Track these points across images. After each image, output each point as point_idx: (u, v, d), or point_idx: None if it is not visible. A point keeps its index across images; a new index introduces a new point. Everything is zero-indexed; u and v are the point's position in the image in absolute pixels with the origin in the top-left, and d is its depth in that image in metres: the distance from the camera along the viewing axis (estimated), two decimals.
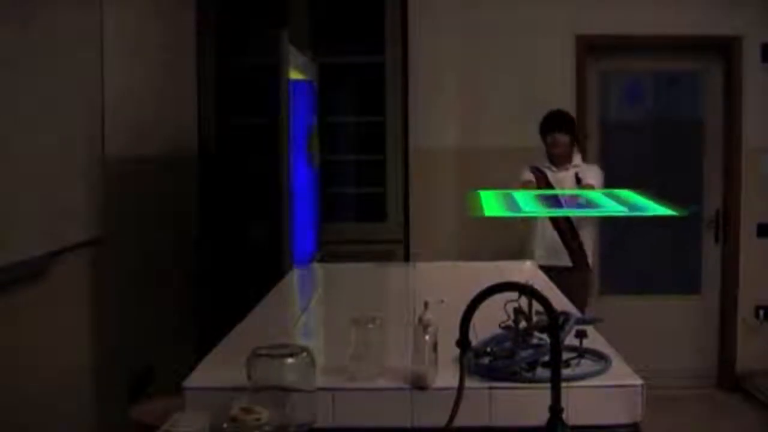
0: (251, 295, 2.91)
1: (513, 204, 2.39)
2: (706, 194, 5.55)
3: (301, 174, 4.18)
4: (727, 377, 5.46)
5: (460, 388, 1.61)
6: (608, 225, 5.51)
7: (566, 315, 2.08)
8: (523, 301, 1.98)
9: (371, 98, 5.16)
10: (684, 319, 5.56)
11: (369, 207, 5.19)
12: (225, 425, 1.70)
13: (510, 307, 1.98)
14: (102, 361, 3.58)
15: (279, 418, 1.73)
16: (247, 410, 1.70)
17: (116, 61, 3.67)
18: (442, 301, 1.96)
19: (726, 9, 5.27)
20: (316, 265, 4.16)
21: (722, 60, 5.43)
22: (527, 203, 2.46)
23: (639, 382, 1.92)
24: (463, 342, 1.63)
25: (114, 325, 3.69)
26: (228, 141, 5.14)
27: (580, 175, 4.51)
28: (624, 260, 5.66)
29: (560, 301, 2.67)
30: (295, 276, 3.57)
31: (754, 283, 5.41)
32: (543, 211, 2.65)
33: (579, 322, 2.15)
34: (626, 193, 2.54)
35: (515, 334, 1.98)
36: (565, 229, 4.55)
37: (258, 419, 1.69)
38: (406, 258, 4.98)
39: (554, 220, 4.50)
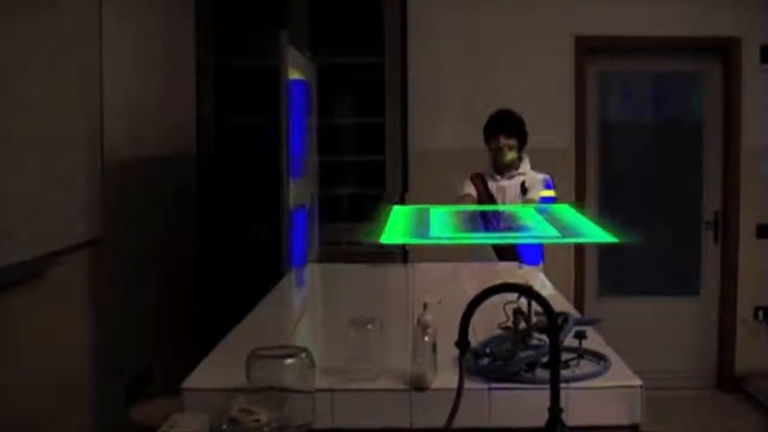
0: (251, 295, 2.91)
1: (423, 226, 2.15)
2: (705, 195, 5.55)
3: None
4: (726, 378, 5.46)
5: (460, 388, 1.61)
6: (607, 225, 5.51)
7: (565, 316, 2.08)
8: (523, 302, 1.98)
9: (371, 99, 5.15)
10: (683, 320, 5.57)
11: (368, 208, 5.18)
12: (224, 426, 1.70)
13: (509, 308, 1.98)
14: (101, 361, 3.58)
15: (278, 419, 1.73)
16: (246, 411, 1.70)
17: (116, 61, 3.67)
18: (440, 302, 1.96)
19: (725, 10, 5.27)
20: (315, 266, 4.16)
21: (721, 61, 5.43)
22: (439, 227, 2.19)
23: (638, 383, 1.93)
24: (462, 343, 1.63)
25: (113, 326, 3.69)
26: (227, 141, 5.14)
27: (527, 185, 4.06)
28: (623, 261, 5.66)
29: (559, 302, 2.68)
30: (294, 276, 3.57)
31: (753, 284, 5.41)
32: (454, 237, 2.24)
33: (578, 323, 2.16)
34: (565, 210, 2.40)
35: (514, 335, 1.98)
36: (501, 247, 4.02)
37: (257, 420, 1.69)
38: (405, 259, 4.97)
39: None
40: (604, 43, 5.35)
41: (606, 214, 5.52)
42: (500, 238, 2.74)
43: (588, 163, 5.41)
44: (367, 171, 5.21)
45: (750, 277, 5.42)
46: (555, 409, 1.60)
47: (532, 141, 4.60)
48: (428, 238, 2.05)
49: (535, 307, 1.85)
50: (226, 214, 5.09)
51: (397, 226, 2.15)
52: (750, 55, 5.33)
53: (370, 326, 1.96)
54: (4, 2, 2.73)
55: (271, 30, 4.03)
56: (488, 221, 2.70)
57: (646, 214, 5.61)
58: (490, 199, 4.10)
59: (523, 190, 4.04)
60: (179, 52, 4.86)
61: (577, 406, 1.85)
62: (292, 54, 4.01)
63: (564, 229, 2.15)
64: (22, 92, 2.86)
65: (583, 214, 2.21)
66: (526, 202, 3.95)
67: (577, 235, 2.11)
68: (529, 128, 4.58)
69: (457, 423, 1.62)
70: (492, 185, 4.14)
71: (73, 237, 3.29)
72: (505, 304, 1.99)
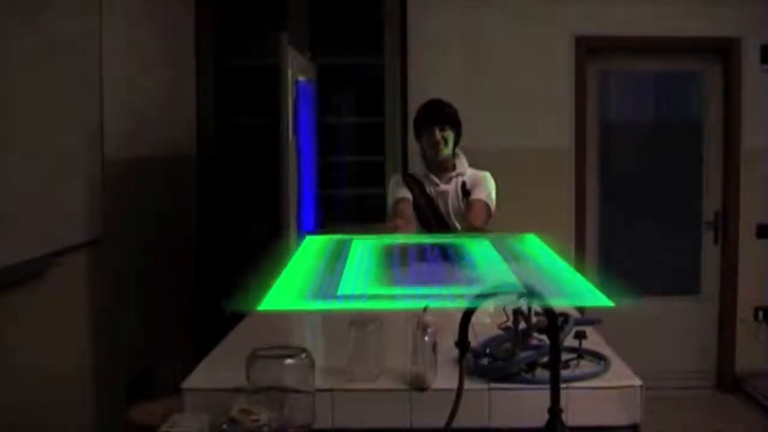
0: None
1: (335, 274, 1.65)
2: (705, 195, 5.55)
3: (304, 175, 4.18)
4: (726, 378, 5.45)
5: (460, 389, 1.61)
6: (607, 225, 5.52)
7: (565, 316, 2.08)
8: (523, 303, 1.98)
9: (371, 99, 5.16)
10: (683, 320, 5.56)
11: (369, 208, 5.19)
12: (224, 426, 1.70)
13: (509, 309, 1.98)
14: (101, 361, 3.57)
15: (278, 419, 1.73)
16: (246, 411, 1.70)
17: (116, 62, 3.67)
18: None
19: (725, 10, 5.27)
20: None
21: (721, 61, 5.43)
22: (357, 274, 1.71)
23: (638, 383, 1.93)
24: (462, 343, 1.63)
25: (113, 326, 3.69)
26: (228, 141, 5.14)
27: (468, 186, 3.52)
28: (623, 261, 5.65)
29: None
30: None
31: (754, 284, 5.40)
32: (372, 295, 1.65)
33: (578, 323, 2.16)
34: (532, 242, 2.21)
35: (514, 335, 1.98)
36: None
37: (257, 420, 1.69)
38: None
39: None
40: (604, 43, 5.34)
41: (606, 215, 5.52)
42: (441, 298, 1.80)
43: (588, 164, 5.41)
44: (367, 171, 5.21)
45: (750, 277, 5.41)
46: (555, 410, 1.60)
47: (532, 142, 4.59)
48: (333, 298, 1.52)
49: (535, 307, 1.85)
50: (226, 214, 5.09)
51: (297, 274, 1.66)
52: (750, 55, 5.33)
53: (369, 326, 1.96)
54: (5, 3, 2.73)
55: (271, 30, 4.04)
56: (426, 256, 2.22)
57: (647, 214, 5.61)
58: (430, 205, 3.55)
59: (465, 192, 3.52)
60: (179, 52, 4.86)
61: (577, 406, 1.85)
62: (292, 54, 4.02)
63: (535, 279, 1.79)
64: (23, 92, 2.86)
65: (556, 246, 2.00)
66: (473, 204, 3.48)
67: (552, 292, 1.63)
68: (529, 129, 4.53)
69: (457, 423, 1.62)
70: (430, 189, 3.57)
71: (73, 237, 3.29)
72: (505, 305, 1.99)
